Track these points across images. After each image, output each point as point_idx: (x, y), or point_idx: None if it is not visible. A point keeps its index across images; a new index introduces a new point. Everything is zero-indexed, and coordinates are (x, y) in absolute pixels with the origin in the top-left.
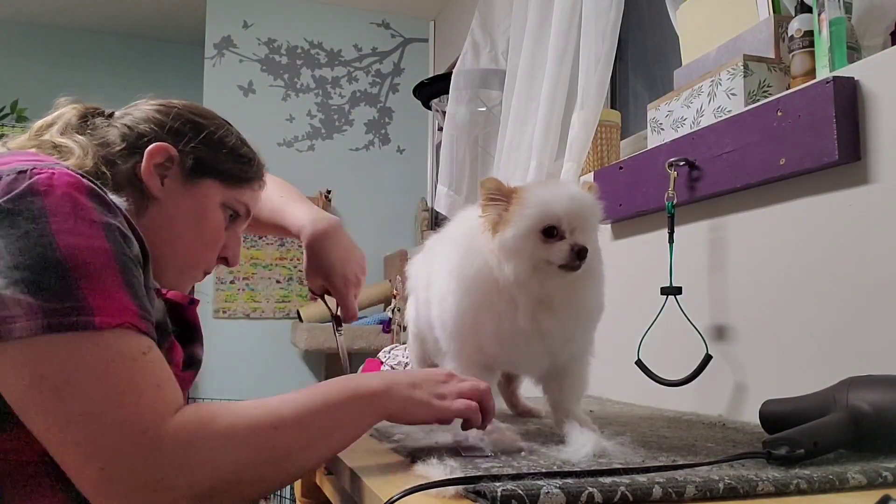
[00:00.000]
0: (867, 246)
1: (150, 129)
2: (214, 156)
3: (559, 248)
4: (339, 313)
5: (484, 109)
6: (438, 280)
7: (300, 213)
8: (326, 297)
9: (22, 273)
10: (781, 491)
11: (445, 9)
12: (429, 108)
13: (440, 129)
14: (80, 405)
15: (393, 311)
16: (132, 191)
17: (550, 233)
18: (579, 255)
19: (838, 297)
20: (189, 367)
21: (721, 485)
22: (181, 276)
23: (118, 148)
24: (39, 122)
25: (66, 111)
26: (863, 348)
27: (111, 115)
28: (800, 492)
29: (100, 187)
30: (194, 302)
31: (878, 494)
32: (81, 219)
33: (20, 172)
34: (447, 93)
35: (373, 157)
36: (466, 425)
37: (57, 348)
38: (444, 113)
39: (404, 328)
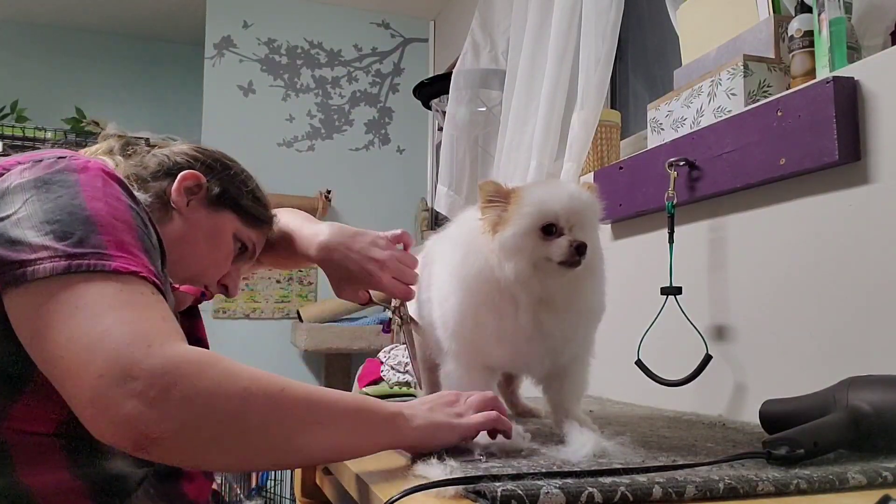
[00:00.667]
0: (867, 246)
1: (185, 160)
2: (237, 193)
3: (558, 244)
4: (396, 304)
5: (484, 109)
6: (439, 281)
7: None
8: (373, 297)
9: (52, 226)
10: (781, 491)
11: (445, 9)
12: (429, 108)
13: (440, 129)
14: (85, 326)
15: (393, 311)
16: (158, 203)
17: (549, 230)
18: (578, 250)
19: (838, 297)
20: None
21: (721, 485)
22: (191, 278)
23: (152, 170)
24: (84, 150)
25: (111, 141)
26: (863, 348)
27: (152, 146)
28: (800, 492)
29: (128, 184)
30: (206, 295)
31: (878, 494)
32: (109, 195)
33: (60, 157)
34: (447, 93)
35: (373, 157)
36: (492, 434)
37: (75, 284)
38: (444, 113)
39: None
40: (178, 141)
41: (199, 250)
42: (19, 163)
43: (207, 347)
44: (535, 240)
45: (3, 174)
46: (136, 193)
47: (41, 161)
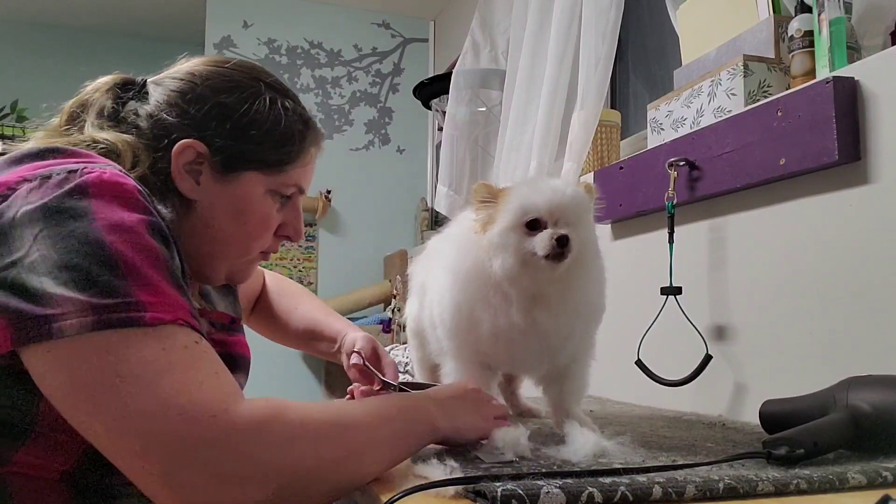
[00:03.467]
0: (867, 246)
1: (174, 121)
2: (247, 145)
3: (541, 238)
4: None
5: (484, 109)
6: (437, 278)
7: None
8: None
9: (71, 272)
10: (781, 491)
11: (445, 9)
12: (429, 108)
13: (440, 129)
14: (138, 399)
15: (393, 311)
16: (174, 197)
17: (534, 226)
18: (559, 242)
19: (838, 297)
20: None
21: (721, 485)
22: (237, 267)
23: (146, 141)
24: (70, 104)
25: (99, 96)
26: (863, 348)
27: (143, 90)
28: (800, 492)
29: (146, 194)
30: (235, 321)
31: (878, 494)
32: (127, 219)
33: (70, 172)
34: (447, 93)
35: (373, 157)
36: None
37: (110, 344)
38: (444, 113)
39: (404, 328)
40: (180, 61)
41: (232, 230)
42: (25, 179)
43: (249, 361)
44: (521, 235)
45: (8, 195)
46: (157, 206)
47: (49, 178)
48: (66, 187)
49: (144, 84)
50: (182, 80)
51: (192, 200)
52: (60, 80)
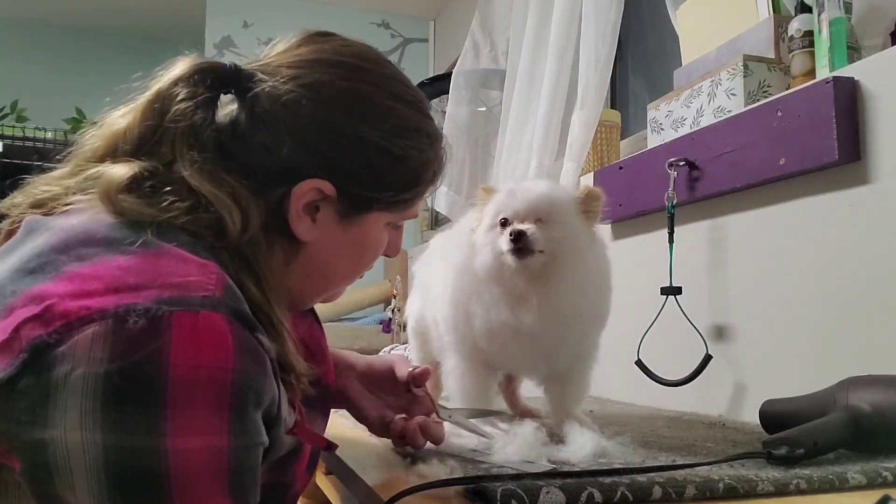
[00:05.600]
0: (867, 246)
1: (299, 157)
2: (383, 192)
3: (504, 234)
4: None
5: (484, 109)
6: (439, 274)
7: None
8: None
9: (109, 492)
10: (781, 491)
11: (445, 9)
12: None
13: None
14: None
15: (393, 311)
16: (284, 238)
17: (505, 224)
18: (513, 237)
19: (838, 297)
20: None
21: (721, 485)
22: (329, 297)
23: (258, 182)
24: (146, 101)
25: (185, 104)
26: (863, 348)
27: (246, 93)
28: (800, 492)
29: (253, 324)
30: (329, 447)
31: (878, 494)
32: (207, 405)
33: (153, 319)
34: (447, 93)
35: None
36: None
37: None
38: (444, 113)
39: (404, 328)
40: (270, 51)
41: (345, 267)
42: (93, 314)
43: (329, 358)
44: (496, 234)
45: (71, 331)
46: (264, 340)
47: (125, 322)
48: (140, 353)
49: (246, 81)
50: (297, 92)
51: (294, 242)
52: (60, 80)
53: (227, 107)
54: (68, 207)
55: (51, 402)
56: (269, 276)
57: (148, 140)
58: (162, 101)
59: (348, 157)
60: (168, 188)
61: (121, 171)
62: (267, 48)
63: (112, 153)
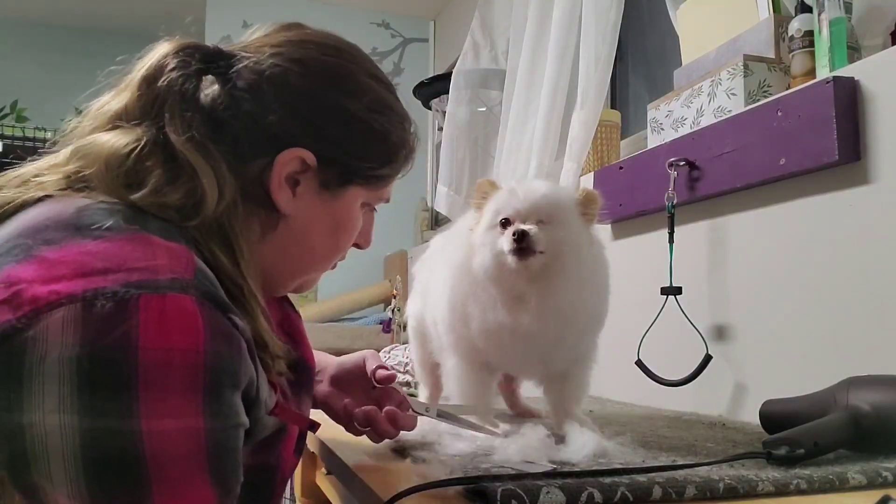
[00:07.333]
0: (867, 246)
1: (282, 124)
2: (363, 162)
3: (505, 234)
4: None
5: (484, 109)
6: (439, 274)
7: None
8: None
9: (89, 482)
10: (781, 491)
11: (445, 9)
12: (429, 108)
13: (440, 129)
14: None
15: (393, 311)
16: (262, 210)
17: (506, 224)
18: (517, 237)
19: (838, 297)
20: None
21: (721, 485)
22: (308, 280)
23: (241, 150)
24: (143, 72)
25: (177, 74)
26: (863, 348)
27: (229, 72)
28: (800, 492)
29: (225, 306)
30: (314, 425)
31: (878, 494)
32: (180, 388)
33: (120, 302)
34: (447, 93)
35: None
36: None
37: None
38: (444, 113)
39: (404, 328)
40: (255, 32)
41: (322, 245)
42: (62, 297)
43: (306, 340)
44: (496, 235)
45: (38, 316)
46: (238, 321)
47: (93, 307)
48: (109, 337)
49: (229, 58)
50: (283, 66)
51: (284, 214)
52: (60, 80)
53: (213, 85)
54: (43, 194)
55: (26, 386)
56: (243, 248)
57: (149, 110)
58: (155, 72)
59: (333, 126)
60: (151, 160)
61: (111, 139)
62: (245, 35)
63: (131, 109)
